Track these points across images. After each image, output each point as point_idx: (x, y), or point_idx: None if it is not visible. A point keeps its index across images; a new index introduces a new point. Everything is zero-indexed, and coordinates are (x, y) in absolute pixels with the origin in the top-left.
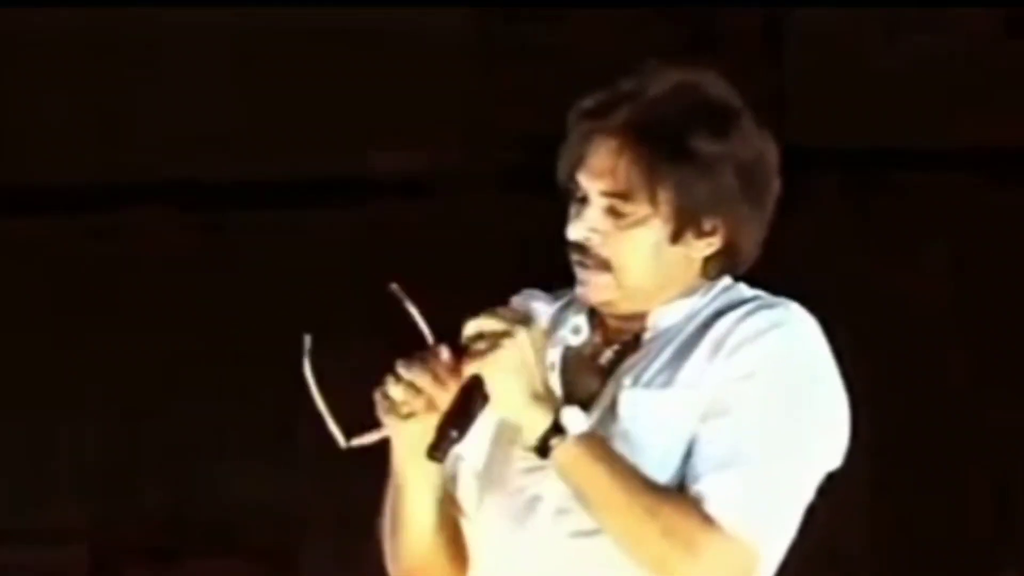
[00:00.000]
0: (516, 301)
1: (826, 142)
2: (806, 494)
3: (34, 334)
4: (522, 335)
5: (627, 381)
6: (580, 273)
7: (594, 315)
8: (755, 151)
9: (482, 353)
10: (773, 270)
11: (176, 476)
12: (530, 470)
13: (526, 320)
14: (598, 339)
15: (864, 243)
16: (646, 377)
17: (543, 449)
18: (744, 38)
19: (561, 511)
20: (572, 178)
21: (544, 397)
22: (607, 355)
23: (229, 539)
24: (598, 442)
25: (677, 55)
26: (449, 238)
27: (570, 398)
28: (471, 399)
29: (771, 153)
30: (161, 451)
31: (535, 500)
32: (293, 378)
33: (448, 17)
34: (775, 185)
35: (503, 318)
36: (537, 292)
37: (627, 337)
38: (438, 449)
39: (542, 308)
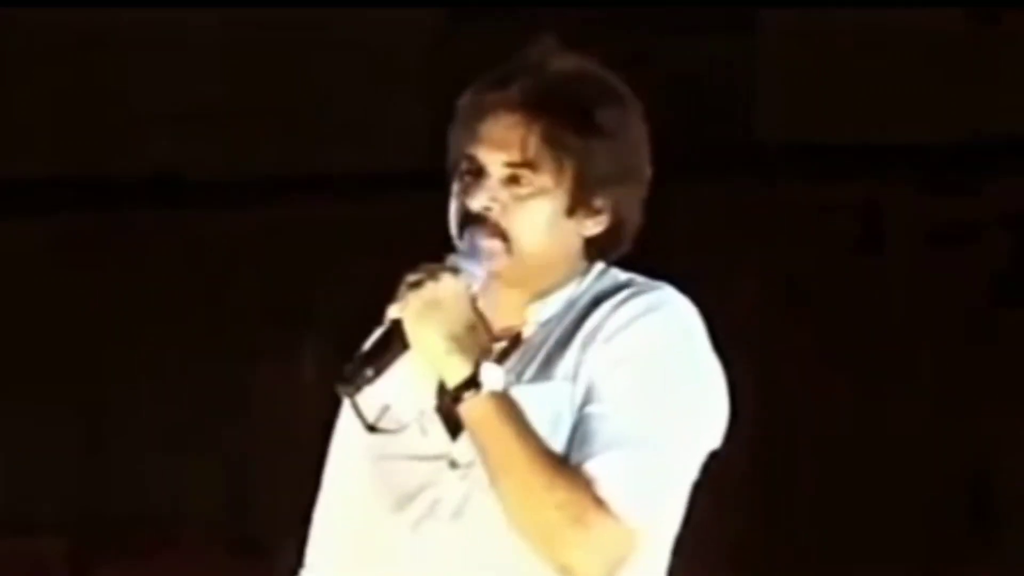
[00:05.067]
0: (449, 259)
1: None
2: (689, 475)
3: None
4: (446, 278)
5: (510, 379)
6: (472, 243)
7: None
8: (643, 135)
9: (402, 296)
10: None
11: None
12: (429, 475)
13: (453, 271)
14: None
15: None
16: (528, 374)
17: (456, 399)
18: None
19: (459, 513)
20: (465, 154)
21: (465, 343)
22: (491, 355)
23: (205, 531)
24: (510, 404)
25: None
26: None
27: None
28: (390, 341)
29: (647, 141)
30: (135, 444)
31: (435, 504)
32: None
33: (445, 17)
34: (649, 172)
35: (428, 268)
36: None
37: (510, 334)
38: (350, 383)
39: (473, 268)
